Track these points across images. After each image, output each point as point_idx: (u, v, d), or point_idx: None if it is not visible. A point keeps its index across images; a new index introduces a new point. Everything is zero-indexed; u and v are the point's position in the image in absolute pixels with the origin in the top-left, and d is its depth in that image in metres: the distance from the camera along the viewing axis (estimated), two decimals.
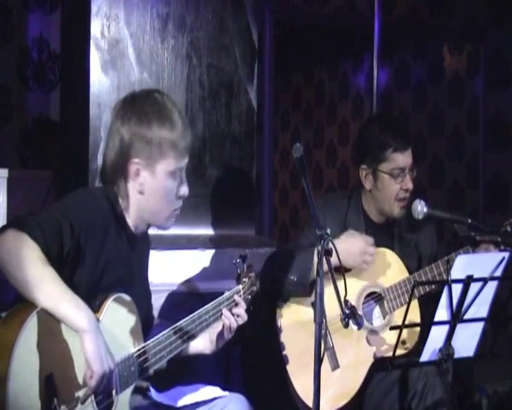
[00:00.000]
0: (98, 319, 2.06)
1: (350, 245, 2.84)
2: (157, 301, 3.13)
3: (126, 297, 2.18)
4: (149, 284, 2.51)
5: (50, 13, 4.79)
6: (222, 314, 2.42)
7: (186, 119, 2.35)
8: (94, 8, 3.30)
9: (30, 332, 1.89)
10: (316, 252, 2.33)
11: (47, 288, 1.96)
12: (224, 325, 2.43)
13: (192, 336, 2.35)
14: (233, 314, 2.43)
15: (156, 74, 3.41)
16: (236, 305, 2.46)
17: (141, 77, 3.34)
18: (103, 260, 2.18)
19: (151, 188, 2.27)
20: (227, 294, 2.47)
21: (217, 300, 2.44)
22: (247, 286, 2.57)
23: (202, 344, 2.48)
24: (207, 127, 3.54)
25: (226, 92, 3.58)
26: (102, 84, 3.32)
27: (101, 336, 2.02)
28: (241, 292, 2.52)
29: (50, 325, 1.96)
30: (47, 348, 1.92)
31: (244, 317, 2.46)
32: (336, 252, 2.25)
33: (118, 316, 2.15)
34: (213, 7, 3.53)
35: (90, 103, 3.28)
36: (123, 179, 2.26)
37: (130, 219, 2.30)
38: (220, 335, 2.46)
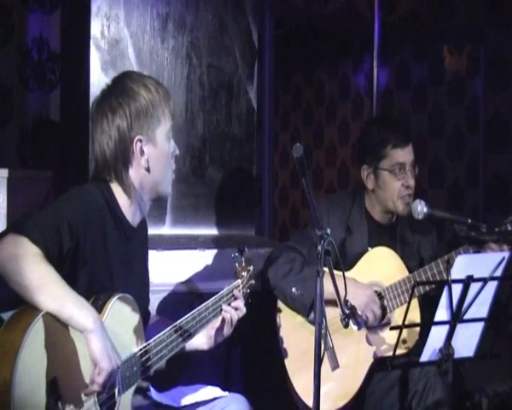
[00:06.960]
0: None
1: (360, 288, 2.83)
2: (157, 302, 3.13)
3: (128, 297, 2.18)
4: (150, 282, 2.51)
5: (50, 13, 4.79)
6: (222, 310, 2.44)
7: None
8: (94, 8, 3.31)
9: (34, 337, 1.89)
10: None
11: (50, 290, 1.96)
12: (224, 320, 2.45)
13: (193, 334, 2.35)
14: (233, 308, 2.46)
15: (156, 74, 3.41)
16: (235, 299, 2.48)
17: None
18: (102, 256, 2.18)
19: (155, 159, 2.28)
20: (226, 289, 2.49)
21: (216, 296, 2.45)
22: (246, 280, 2.58)
23: (199, 340, 2.48)
24: (207, 127, 3.54)
25: (226, 92, 3.58)
26: (102, 84, 3.24)
27: (107, 334, 2.02)
28: (240, 287, 2.53)
29: (54, 328, 1.95)
30: (51, 351, 1.92)
31: (243, 310, 2.48)
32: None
33: (120, 316, 2.15)
34: (213, 7, 3.54)
35: (89, 103, 3.27)
36: (122, 170, 2.25)
37: (128, 210, 2.30)
38: (219, 331, 2.47)
